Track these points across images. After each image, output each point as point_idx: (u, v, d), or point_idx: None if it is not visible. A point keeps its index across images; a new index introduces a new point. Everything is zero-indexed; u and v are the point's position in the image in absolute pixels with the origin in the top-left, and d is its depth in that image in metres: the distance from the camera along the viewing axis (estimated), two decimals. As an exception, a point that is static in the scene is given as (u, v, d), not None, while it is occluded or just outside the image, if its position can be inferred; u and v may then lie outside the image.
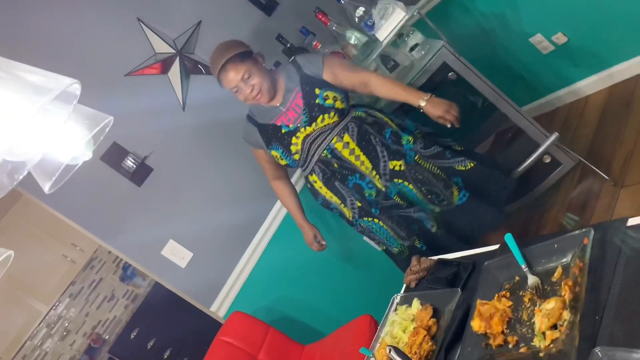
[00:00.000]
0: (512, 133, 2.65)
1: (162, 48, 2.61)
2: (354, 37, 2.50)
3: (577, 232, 1.26)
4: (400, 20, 2.37)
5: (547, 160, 2.59)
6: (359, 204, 2.27)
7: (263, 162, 2.40)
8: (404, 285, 1.78)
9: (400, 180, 2.21)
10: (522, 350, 1.18)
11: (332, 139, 2.21)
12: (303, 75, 2.28)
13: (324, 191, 2.31)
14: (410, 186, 2.23)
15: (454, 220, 2.25)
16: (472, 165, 2.26)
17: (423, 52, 2.53)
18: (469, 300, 1.42)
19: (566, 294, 1.17)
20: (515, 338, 1.22)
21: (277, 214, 2.76)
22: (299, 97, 2.23)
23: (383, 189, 2.23)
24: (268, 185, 2.51)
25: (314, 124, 2.20)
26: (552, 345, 1.12)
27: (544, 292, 1.25)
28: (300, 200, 2.47)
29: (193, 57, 2.68)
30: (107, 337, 4.06)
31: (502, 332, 1.26)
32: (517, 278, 1.35)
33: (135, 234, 2.51)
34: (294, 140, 2.23)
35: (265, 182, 2.52)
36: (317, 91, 2.22)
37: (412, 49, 2.55)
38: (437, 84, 2.54)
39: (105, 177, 2.47)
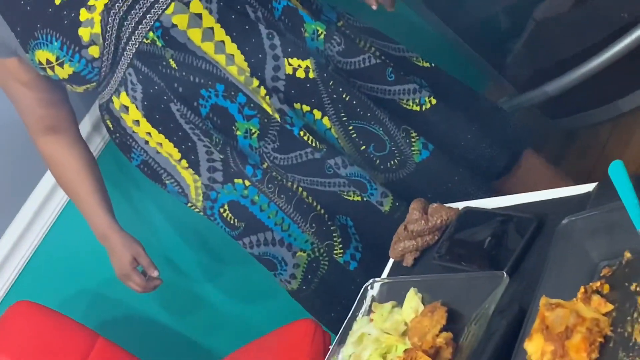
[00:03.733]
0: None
1: None
2: None
3: None
4: None
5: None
6: (221, 157, 2.31)
7: (16, 85, 2.38)
8: (390, 260, 1.81)
9: (306, 108, 2.28)
10: (626, 403, 1.21)
11: (167, 6, 2.20)
12: None
13: (145, 131, 2.32)
14: (325, 120, 2.29)
15: (420, 185, 2.33)
16: (432, 102, 2.37)
17: None
18: (523, 296, 1.45)
19: None
20: (615, 378, 1.25)
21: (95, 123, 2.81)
22: None
23: (277, 116, 2.25)
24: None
25: None
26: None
27: (681, 287, 1.27)
28: (102, 178, 2.50)
29: None
30: None
31: (589, 365, 1.28)
32: (627, 255, 1.37)
33: None
34: (84, 14, 2.19)
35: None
36: None
37: None
38: None
39: None
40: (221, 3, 2.23)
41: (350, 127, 2.30)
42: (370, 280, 1.73)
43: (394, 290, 1.67)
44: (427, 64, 2.45)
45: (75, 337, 2.40)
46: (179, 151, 2.32)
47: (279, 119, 2.26)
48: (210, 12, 2.22)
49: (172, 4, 2.20)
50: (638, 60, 2.76)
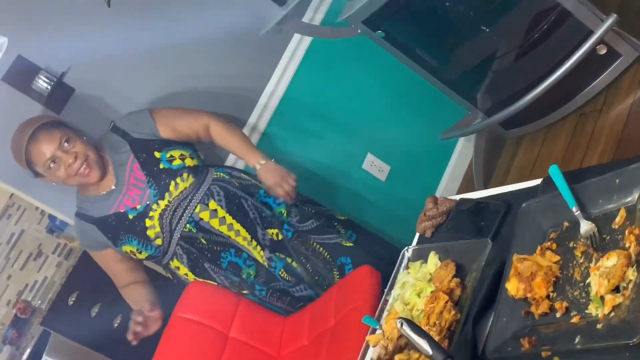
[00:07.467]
0: (554, 17, 2.59)
1: None
2: None
3: (646, 161, 1.23)
4: None
5: (602, 51, 2.57)
6: (238, 287, 2.38)
7: (112, 264, 2.40)
8: (417, 234, 1.77)
9: (282, 256, 2.34)
10: (573, 320, 1.19)
11: (195, 207, 2.28)
12: (133, 142, 2.30)
13: (192, 279, 2.36)
14: (294, 264, 2.34)
15: None
16: (351, 243, 2.42)
17: None
18: (502, 254, 1.42)
19: (632, 245, 1.16)
20: (565, 304, 1.22)
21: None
22: (136, 168, 2.27)
23: (266, 264, 2.32)
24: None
25: (167, 195, 2.26)
26: (612, 314, 1.13)
27: (602, 243, 1.24)
28: None
29: None
30: (37, 304, 4.12)
31: (548, 296, 1.26)
32: (566, 224, 1.34)
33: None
34: (148, 222, 2.26)
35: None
36: (158, 155, 2.29)
37: None
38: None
39: (13, 104, 2.43)
40: (227, 201, 2.30)
41: (309, 266, 2.35)
42: (406, 247, 1.69)
43: (420, 253, 1.65)
44: (344, 217, 2.51)
45: (227, 300, 2.37)
46: None
47: (266, 264, 2.32)
48: (222, 207, 2.30)
49: (199, 205, 2.27)
50: (556, 91, 2.64)
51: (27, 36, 2.40)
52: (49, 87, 2.41)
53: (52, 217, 4.30)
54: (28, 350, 3.37)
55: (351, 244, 2.41)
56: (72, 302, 3.58)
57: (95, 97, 2.54)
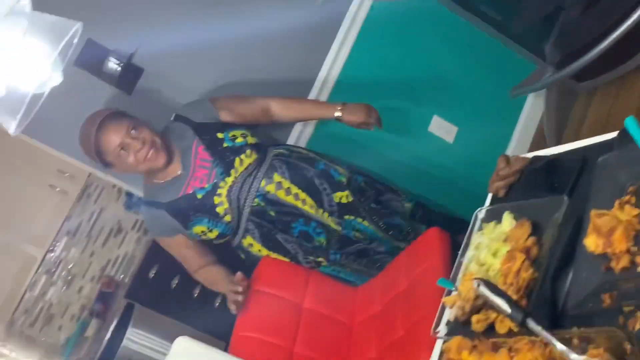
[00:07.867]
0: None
1: None
2: None
3: None
4: None
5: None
6: (311, 255, 2.41)
7: (184, 250, 2.43)
8: (489, 194, 1.76)
9: (351, 217, 2.39)
10: (656, 273, 1.16)
11: (261, 182, 2.34)
12: (196, 126, 2.37)
13: (266, 254, 2.41)
14: (365, 222, 2.39)
15: None
16: (411, 205, 2.51)
17: None
18: (579, 210, 1.39)
19: None
20: (646, 258, 1.20)
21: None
22: (201, 150, 2.33)
23: (337, 229, 2.36)
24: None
25: (233, 171, 2.31)
26: (698, 266, 1.10)
27: (684, 194, 1.21)
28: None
29: None
30: (120, 278, 4.29)
31: (628, 250, 1.23)
32: (645, 177, 1.30)
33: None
34: (217, 199, 2.32)
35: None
36: (220, 135, 2.35)
37: None
38: None
39: (86, 87, 2.51)
40: (290, 172, 2.36)
41: (381, 223, 2.41)
42: (479, 209, 1.68)
43: (494, 213, 1.63)
44: (403, 188, 2.58)
45: (298, 273, 2.43)
46: (290, 259, 2.41)
47: (338, 229, 2.38)
48: (286, 179, 2.35)
49: (264, 179, 2.33)
50: (629, 39, 2.54)
51: (95, 20, 2.45)
52: (119, 68, 2.49)
53: (129, 194, 4.44)
54: (114, 322, 3.50)
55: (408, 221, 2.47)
56: (152, 275, 3.70)
57: (156, 89, 2.60)
